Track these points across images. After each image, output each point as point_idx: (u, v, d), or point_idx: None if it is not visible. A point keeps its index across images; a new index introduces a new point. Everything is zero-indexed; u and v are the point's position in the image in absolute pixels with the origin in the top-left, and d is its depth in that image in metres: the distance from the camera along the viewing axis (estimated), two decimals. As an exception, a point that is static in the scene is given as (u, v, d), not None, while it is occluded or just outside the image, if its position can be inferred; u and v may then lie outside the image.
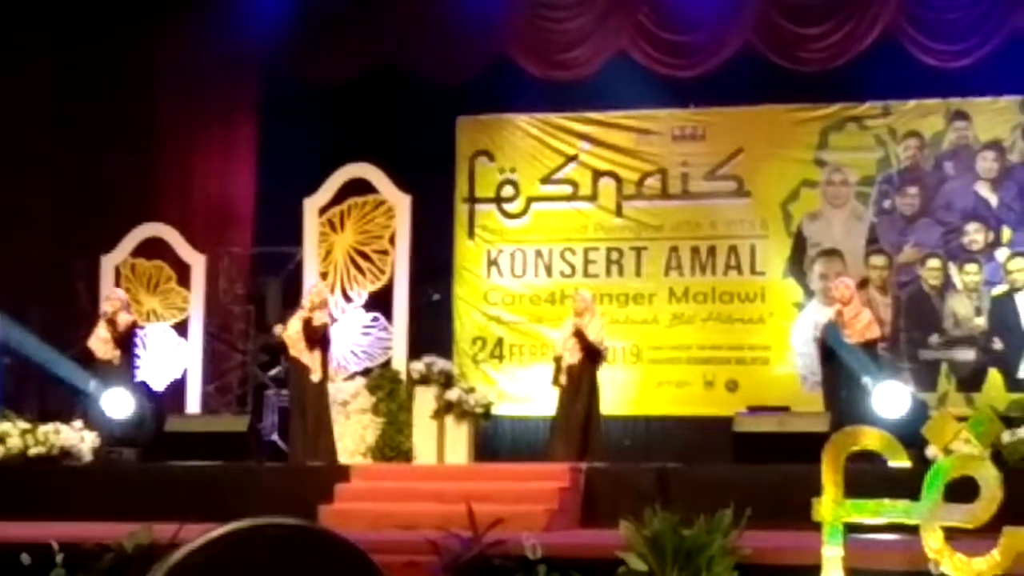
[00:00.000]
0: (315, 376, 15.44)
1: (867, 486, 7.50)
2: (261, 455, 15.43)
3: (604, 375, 16.10)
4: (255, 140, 18.74)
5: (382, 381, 16.59)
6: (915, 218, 17.34)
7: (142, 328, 17.06)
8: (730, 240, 17.75)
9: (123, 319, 16.12)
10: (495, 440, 17.37)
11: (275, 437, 17.12)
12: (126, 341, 16.15)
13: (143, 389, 16.37)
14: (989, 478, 6.94)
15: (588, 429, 15.25)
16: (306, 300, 15.63)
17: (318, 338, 15.43)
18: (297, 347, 15.46)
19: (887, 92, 17.36)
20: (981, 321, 16.96)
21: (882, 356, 16.13)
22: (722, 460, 14.44)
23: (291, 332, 15.44)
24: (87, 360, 16.37)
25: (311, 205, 17.50)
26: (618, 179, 18.14)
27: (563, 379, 15.44)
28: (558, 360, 15.57)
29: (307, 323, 15.39)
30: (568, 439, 15.19)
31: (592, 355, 15.45)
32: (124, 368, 16.11)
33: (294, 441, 15.53)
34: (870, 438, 7.53)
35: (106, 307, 16.40)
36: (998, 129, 17.18)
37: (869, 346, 14.99)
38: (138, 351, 16.71)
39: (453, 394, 16.24)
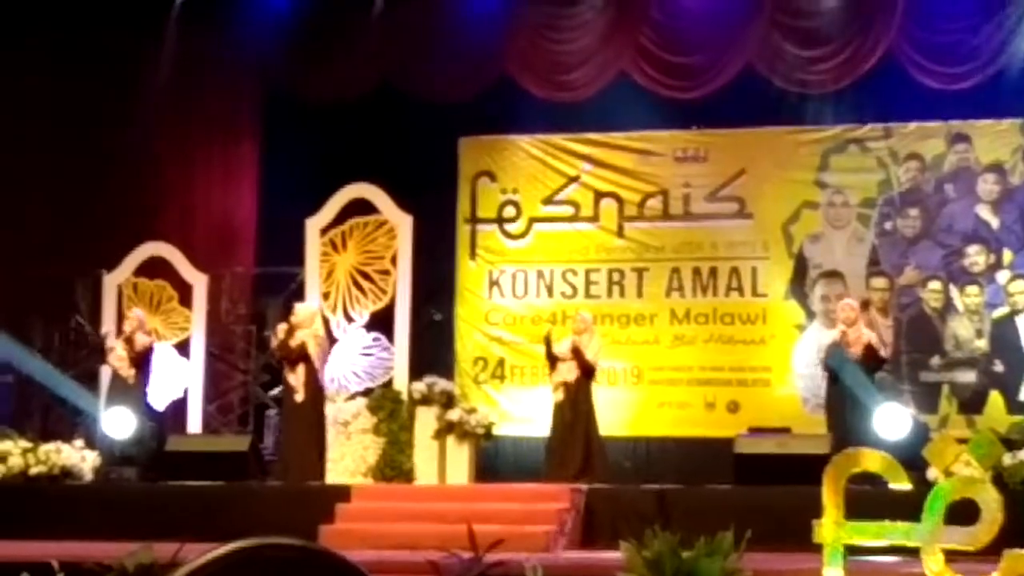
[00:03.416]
0: (298, 396, 15.48)
1: (868, 508, 7.49)
2: (262, 475, 15.41)
3: (605, 396, 16.16)
4: (257, 160, 18.76)
5: (383, 401, 16.59)
6: (916, 240, 17.34)
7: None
8: (731, 261, 17.76)
9: (140, 340, 16.15)
10: (496, 460, 17.36)
11: (276, 457, 17.11)
12: (142, 361, 16.16)
13: (145, 408, 16.36)
14: (990, 501, 6.93)
15: (589, 448, 15.28)
16: (283, 323, 15.79)
17: (295, 357, 15.49)
18: (284, 366, 15.63)
19: (888, 114, 17.39)
20: (982, 343, 16.96)
21: (884, 378, 16.14)
22: (723, 481, 14.42)
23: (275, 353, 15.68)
24: (91, 379, 16.42)
25: (313, 225, 17.52)
26: (620, 200, 18.15)
27: (559, 395, 15.48)
28: (555, 360, 15.65)
29: (283, 344, 15.51)
30: (566, 457, 15.20)
31: (588, 373, 15.51)
32: (138, 388, 16.13)
33: (280, 459, 15.60)
34: (871, 460, 7.51)
35: (124, 326, 16.45)
36: (999, 151, 17.19)
37: (872, 367, 14.97)
38: (153, 372, 16.60)
39: (454, 414, 16.24)
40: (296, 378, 15.53)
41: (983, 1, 16.51)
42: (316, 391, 15.68)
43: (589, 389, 15.60)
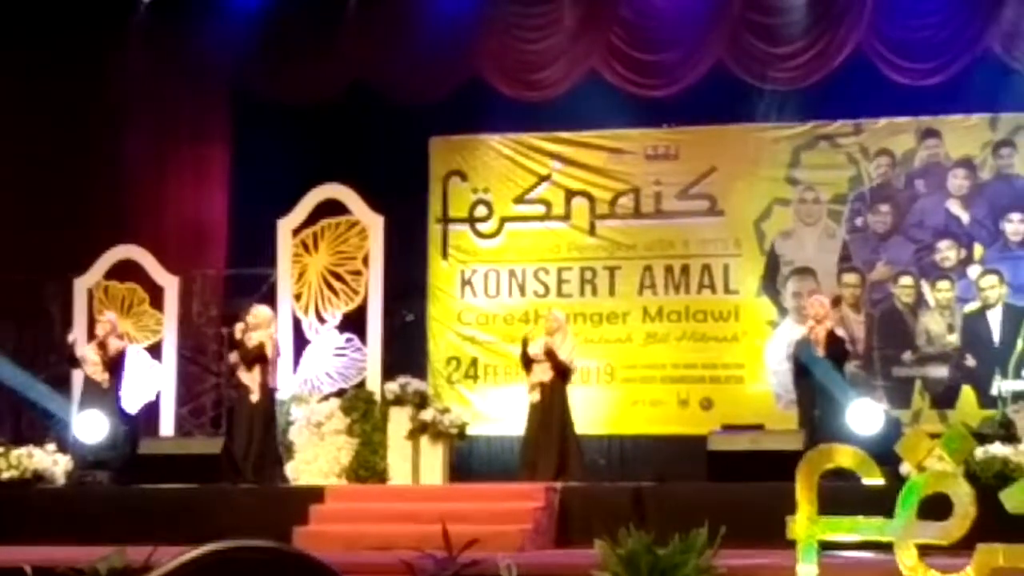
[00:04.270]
0: (253, 396, 15.49)
1: (841, 504, 7.52)
2: (235, 477, 15.38)
3: (578, 394, 16.14)
4: (228, 161, 18.72)
5: (356, 402, 16.56)
6: (887, 236, 17.39)
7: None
8: (703, 259, 17.78)
9: (113, 344, 16.11)
10: (470, 460, 17.35)
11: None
12: (115, 365, 16.11)
13: (118, 412, 16.30)
14: (962, 495, 6.96)
15: (565, 448, 15.27)
16: (240, 323, 15.75)
17: (252, 358, 15.50)
18: (240, 368, 15.59)
19: (858, 110, 17.43)
20: (954, 338, 17.01)
21: (855, 373, 16.19)
22: (697, 479, 14.45)
23: (232, 358, 15.63)
24: (64, 383, 16.38)
25: (284, 226, 17.48)
26: (591, 198, 18.16)
27: (535, 396, 15.48)
28: (531, 363, 15.61)
29: (240, 344, 15.50)
30: (542, 457, 15.20)
31: (563, 374, 15.50)
32: (111, 392, 16.08)
33: (236, 460, 15.53)
34: (844, 456, 7.55)
35: (97, 330, 16.42)
36: (969, 147, 17.24)
37: (837, 354, 15.00)
38: (126, 376, 16.53)
39: (427, 414, 16.22)
40: (252, 378, 15.55)
41: (951, -3, 16.57)
42: (270, 392, 15.71)
43: (564, 390, 15.58)
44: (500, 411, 17.61)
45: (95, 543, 10.94)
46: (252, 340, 15.61)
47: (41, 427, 16.79)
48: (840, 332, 15.17)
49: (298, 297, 17.33)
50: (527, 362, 15.66)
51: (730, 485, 13.50)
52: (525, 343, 15.79)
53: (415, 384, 16.53)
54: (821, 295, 16.07)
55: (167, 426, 17.40)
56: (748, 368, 17.52)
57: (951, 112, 17.22)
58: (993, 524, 7.11)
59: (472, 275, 18.37)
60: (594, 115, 17.74)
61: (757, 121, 17.61)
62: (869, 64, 16.71)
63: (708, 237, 17.81)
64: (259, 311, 16.04)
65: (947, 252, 17.14)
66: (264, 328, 15.78)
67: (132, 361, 16.70)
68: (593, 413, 17.25)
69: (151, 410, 17.43)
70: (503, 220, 18.40)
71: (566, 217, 18.24)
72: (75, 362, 16.35)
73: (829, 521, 7.31)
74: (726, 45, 17.00)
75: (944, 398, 16.89)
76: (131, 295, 17.77)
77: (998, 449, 13.19)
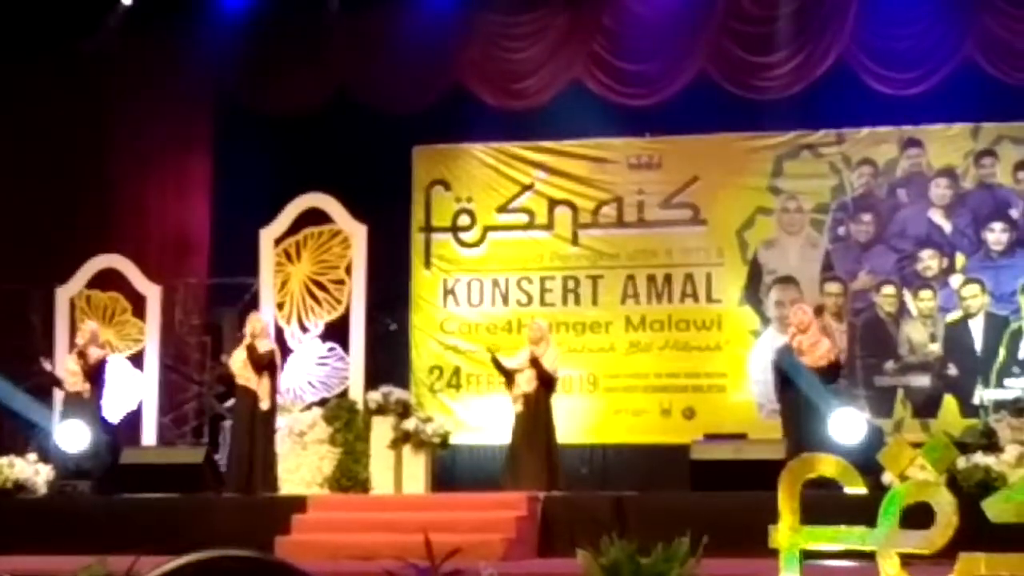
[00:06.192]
0: (264, 404, 15.43)
1: (823, 513, 7.51)
2: (217, 486, 15.34)
3: (561, 403, 16.11)
4: (210, 170, 18.69)
5: (339, 411, 16.54)
6: (869, 245, 17.42)
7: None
8: (686, 268, 17.79)
9: (94, 352, 16.05)
10: (452, 469, 17.34)
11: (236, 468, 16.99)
12: (95, 374, 16.06)
13: (99, 421, 16.26)
14: (944, 504, 6.95)
15: (551, 459, 15.24)
16: (247, 329, 15.67)
17: (265, 364, 15.43)
18: (244, 375, 15.47)
19: (841, 120, 17.47)
20: (936, 347, 17.04)
21: (838, 382, 16.20)
22: (679, 488, 14.44)
23: (236, 361, 15.48)
24: (45, 392, 16.33)
25: (267, 235, 17.46)
26: (574, 208, 18.17)
27: (519, 407, 15.45)
28: (511, 374, 15.57)
29: (251, 350, 15.42)
30: (529, 467, 15.16)
31: (548, 384, 15.48)
32: (92, 401, 16.03)
33: (238, 468, 15.38)
34: (826, 465, 7.53)
35: (77, 339, 16.38)
36: (951, 156, 17.29)
37: (828, 372, 14.99)
38: (107, 385, 16.45)
39: (410, 424, 16.20)
40: (262, 386, 15.47)
41: (934, 7, 16.59)
42: (275, 400, 15.68)
43: (549, 399, 15.54)
44: (483, 420, 17.61)
45: (76, 553, 10.90)
46: (262, 347, 15.54)
47: (22, 437, 16.74)
48: (837, 355, 15.17)
49: (280, 306, 17.31)
50: (505, 374, 15.63)
51: (713, 494, 13.49)
52: (495, 359, 15.71)
53: (398, 393, 16.52)
54: (805, 304, 16.08)
55: (149, 435, 17.36)
56: (731, 377, 17.53)
57: (933, 122, 17.27)
58: (975, 533, 7.11)
59: (455, 284, 18.36)
60: (577, 124, 17.75)
61: (740, 130, 17.64)
62: (851, 74, 16.76)
63: (691, 246, 17.83)
64: (260, 317, 16.01)
65: (929, 261, 17.18)
66: (265, 336, 15.75)
67: (113, 370, 16.65)
68: (575, 422, 17.25)
69: (133, 419, 17.40)
70: (486, 229, 18.40)
71: (549, 226, 18.24)
72: (58, 383, 16.32)
73: (811, 530, 7.30)
74: (709, 55, 17.05)
75: (926, 407, 16.92)
76: (113, 304, 17.74)
77: (980, 458, 13.22)
